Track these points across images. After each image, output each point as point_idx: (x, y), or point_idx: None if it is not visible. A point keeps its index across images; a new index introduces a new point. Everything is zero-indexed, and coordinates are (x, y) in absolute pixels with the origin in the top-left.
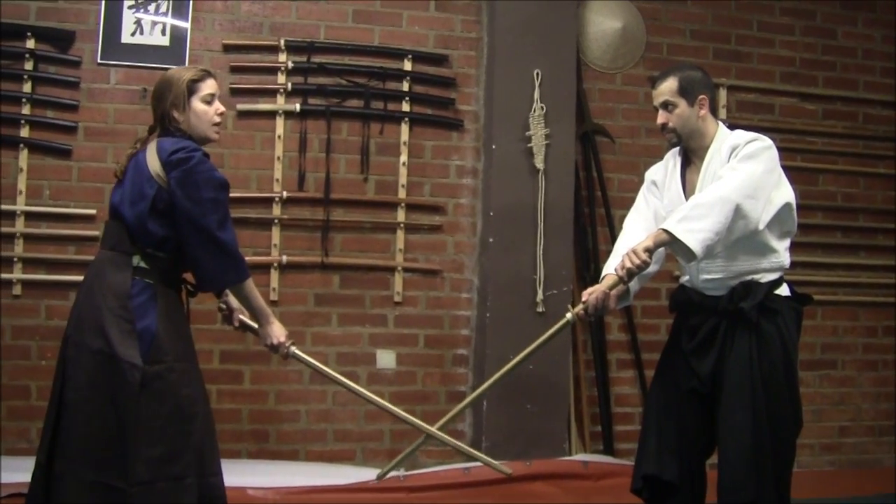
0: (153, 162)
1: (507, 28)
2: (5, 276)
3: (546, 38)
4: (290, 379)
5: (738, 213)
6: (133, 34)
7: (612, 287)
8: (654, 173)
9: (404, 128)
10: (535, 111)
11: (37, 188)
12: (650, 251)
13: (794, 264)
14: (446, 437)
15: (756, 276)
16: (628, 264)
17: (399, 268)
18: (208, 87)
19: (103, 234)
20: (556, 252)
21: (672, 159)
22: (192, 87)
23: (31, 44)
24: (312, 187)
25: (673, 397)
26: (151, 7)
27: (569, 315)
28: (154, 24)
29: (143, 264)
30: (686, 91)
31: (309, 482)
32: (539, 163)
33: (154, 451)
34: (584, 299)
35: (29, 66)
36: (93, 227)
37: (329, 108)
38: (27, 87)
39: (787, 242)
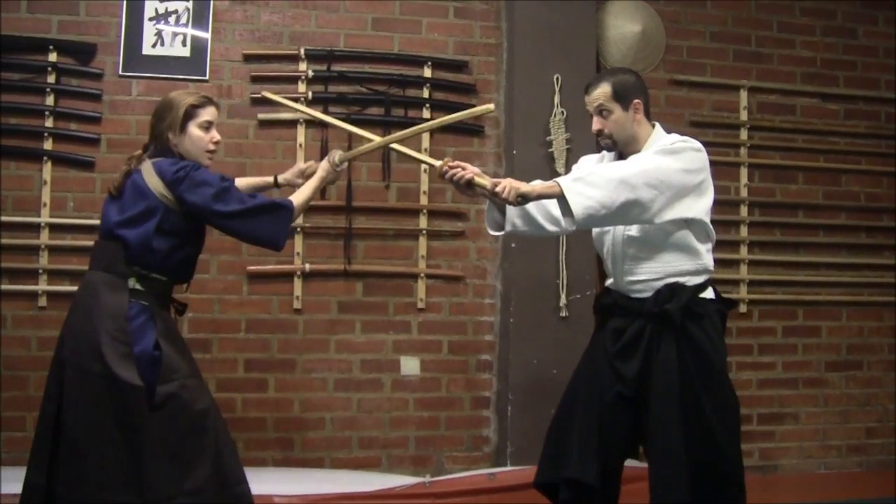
0: (155, 184)
1: (527, 33)
2: (31, 287)
3: (566, 42)
4: (315, 387)
5: (634, 197)
6: (154, 46)
7: (480, 186)
8: (588, 162)
9: (425, 135)
10: (555, 116)
11: (61, 200)
12: (525, 197)
13: (818, 266)
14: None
15: (681, 279)
16: (498, 189)
17: (422, 274)
18: (207, 113)
19: (93, 254)
20: (578, 256)
21: (608, 156)
22: (191, 112)
23: (53, 57)
24: (334, 195)
25: (595, 399)
26: (172, 18)
27: (439, 162)
28: (175, 35)
29: (138, 286)
30: (620, 96)
31: (335, 489)
32: (560, 168)
33: (170, 467)
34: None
35: (51, 79)
36: None
37: (350, 116)
38: (50, 100)
39: (709, 245)
